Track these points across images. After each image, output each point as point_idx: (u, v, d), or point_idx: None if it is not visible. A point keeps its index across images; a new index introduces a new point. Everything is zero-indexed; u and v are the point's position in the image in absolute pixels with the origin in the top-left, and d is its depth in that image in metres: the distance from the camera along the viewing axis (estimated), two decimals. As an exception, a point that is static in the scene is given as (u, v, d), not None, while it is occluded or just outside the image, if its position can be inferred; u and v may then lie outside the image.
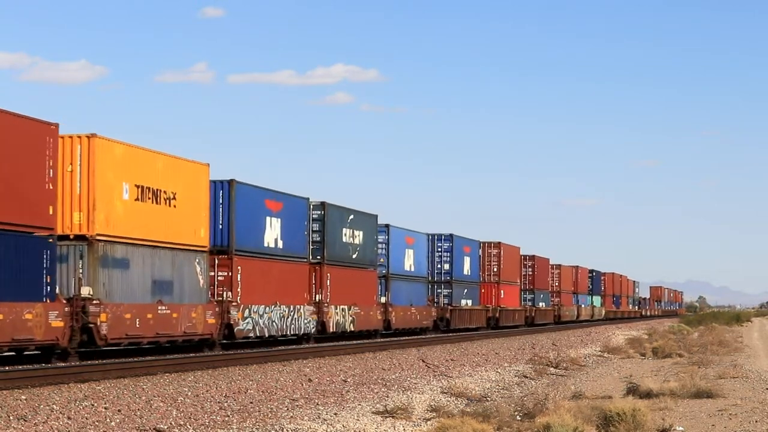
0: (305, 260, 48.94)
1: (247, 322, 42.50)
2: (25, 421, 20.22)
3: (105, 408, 22.41)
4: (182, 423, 21.16)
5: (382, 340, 55.13)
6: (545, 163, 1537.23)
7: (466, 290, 74.99)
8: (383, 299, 59.50)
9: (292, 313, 46.70)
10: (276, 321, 45.08)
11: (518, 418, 22.59)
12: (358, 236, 54.95)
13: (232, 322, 41.17)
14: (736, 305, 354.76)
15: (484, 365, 40.36)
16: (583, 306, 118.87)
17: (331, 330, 51.16)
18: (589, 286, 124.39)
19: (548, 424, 18.61)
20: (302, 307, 47.83)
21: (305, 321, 48.08)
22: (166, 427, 20.56)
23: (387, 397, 27.10)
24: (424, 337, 61.33)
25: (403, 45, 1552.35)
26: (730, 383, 30.60)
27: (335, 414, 23.19)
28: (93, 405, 22.71)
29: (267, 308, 44.25)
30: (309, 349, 43.23)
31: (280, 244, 45.83)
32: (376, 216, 58.86)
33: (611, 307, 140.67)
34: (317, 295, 49.88)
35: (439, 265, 71.02)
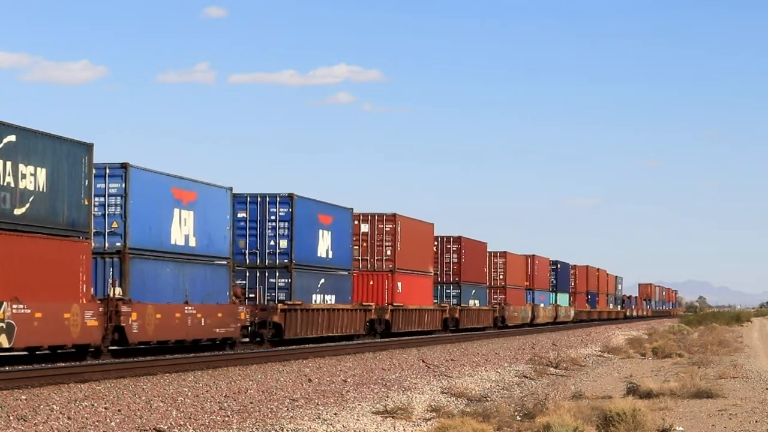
0: None
1: None
2: (25, 421, 20.21)
3: (105, 408, 22.41)
4: (182, 423, 21.16)
5: (382, 340, 55.02)
6: (547, 164, 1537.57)
7: (323, 280, 50.59)
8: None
9: None
10: None
11: (518, 418, 22.58)
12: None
13: None
14: (736, 305, 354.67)
15: (484, 365, 40.36)
16: (542, 305, 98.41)
17: None
18: (551, 281, 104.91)
19: (548, 424, 18.61)
20: None
21: None
22: (166, 427, 20.55)
23: (387, 397, 27.09)
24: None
25: (405, 45, 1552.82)
26: (730, 383, 30.59)
27: (335, 414, 23.19)
28: (93, 405, 22.71)
29: None
30: (309, 349, 43.23)
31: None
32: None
33: (584, 307, 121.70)
34: None
35: (268, 241, 47.01)
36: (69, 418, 20.80)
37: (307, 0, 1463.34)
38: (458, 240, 73.68)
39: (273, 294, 46.71)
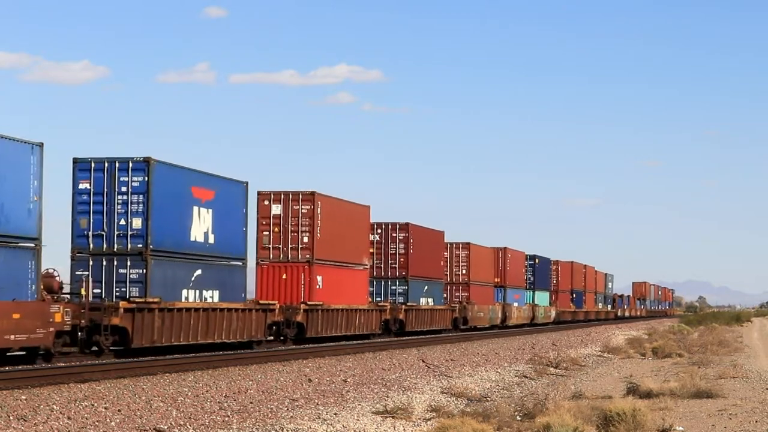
0: None
1: None
2: (25, 421, 20.22)
3: (105, 408, 22.41)
4: (182, 423, 21.16)
5: (381, 340, 54.91)
6: (547, 164, 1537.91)
7: (199, 272, 40.03)
8: None
9: None
10: None
11: (518, 418, 22.58)
12: None
13: None
14: (736, 305, 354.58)
15: (484, 365, 40.36)
16: (515, 305, 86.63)
17: None
18: (528, 278, 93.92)
19: (548, 424, 18.61)
20: None
21: None
22: (166, 427, 20.56)
23: (387, 397, 27.10)
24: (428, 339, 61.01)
25: (405, 45, 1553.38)
26: (730, 383, 30.59)
27: (335, 414, 23.19)
28: (93, 405, 22.71)
29: None
30: (309, 349, 43.19)
31: None
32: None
33: (568, 306, 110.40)
34: None
35: (117, 220, 37.03)
36: (69, 418, 20.81)
37: (307, 0, 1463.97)
38: (405, 227, 61.87)
39: (123, 289, 36.31)
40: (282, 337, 46.61)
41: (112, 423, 20.64)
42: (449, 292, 72.84)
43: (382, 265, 61.44)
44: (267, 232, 48.25)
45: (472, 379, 33.68)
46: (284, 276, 48.11)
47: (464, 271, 74.82)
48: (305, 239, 48.37)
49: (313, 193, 48.74)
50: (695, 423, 22.10)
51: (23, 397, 23.47)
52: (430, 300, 65.38)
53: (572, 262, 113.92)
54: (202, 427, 20.76)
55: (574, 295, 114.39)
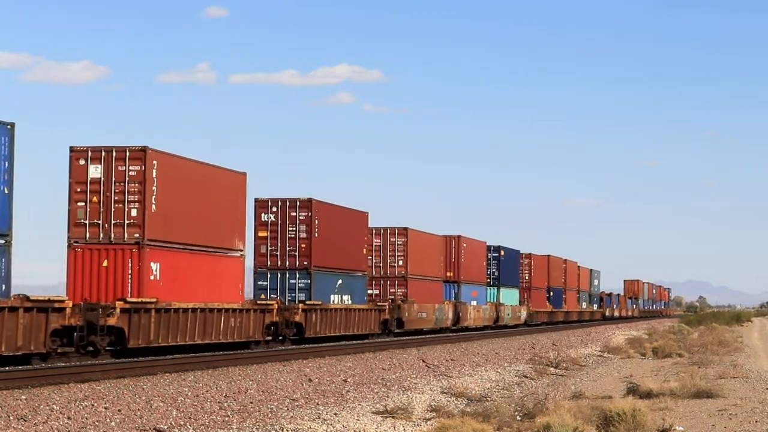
0: None
1: None
2: (25, 421, 20.22)
3: (105, 408, 22.41)
4: (182, 423, 21.16)
5: (381, 340, 54.90)
6: (548, 164, 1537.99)
7: None
8: None
9: None
10: None
11: (518, 418, 22.58)
12: None
13: None
14: (736, 305, 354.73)
15: (484, 365, 40.36)
16: (472, 304, 74.12)
17: None
18: (492, 273, 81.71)
19: (548, 424, 18.61)
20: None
21: None
22: (166, 427, 20.56)
23: (387, 397, 27.09)
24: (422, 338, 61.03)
25: (406, 45, 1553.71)
26: (730, 383, 30.59)
27: (335, 414, 23.19)
28: (93, 405, 22.71)
29: None
30: (309, 349, 43.21)
31: None
32: None
33: (543, 306, 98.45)
34: None
35: None
36: (69, 418, 20.81)
37: (308, 0, 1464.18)
38: (308, 204, 49.72)
39: None
40: (85, 348, 33.72)
41: (112, 423, 20.64)
42: (382, 287, 60.92)
43: (278, 253, 49.11)
44: (82, 203, 36.35)
45: (472, 379, 33.68)
46: (105, 263, 36.06)
47: (401, 263, 61.66)
48: (134, 212, 36.40)
49: (144, 150, 36.33)
50: (695, 423, 22.10)
51: (23, 397, 23.48)
52: (345, 297, 52.64)
53: (549, 255, 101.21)
54: (202, 427, 20.76)
55: (552, 293, 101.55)
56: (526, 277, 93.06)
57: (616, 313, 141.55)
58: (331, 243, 51.14)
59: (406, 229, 62.20)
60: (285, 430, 20.74)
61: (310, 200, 49.61)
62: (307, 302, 48.22)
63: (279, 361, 37.36)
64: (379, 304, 57.79)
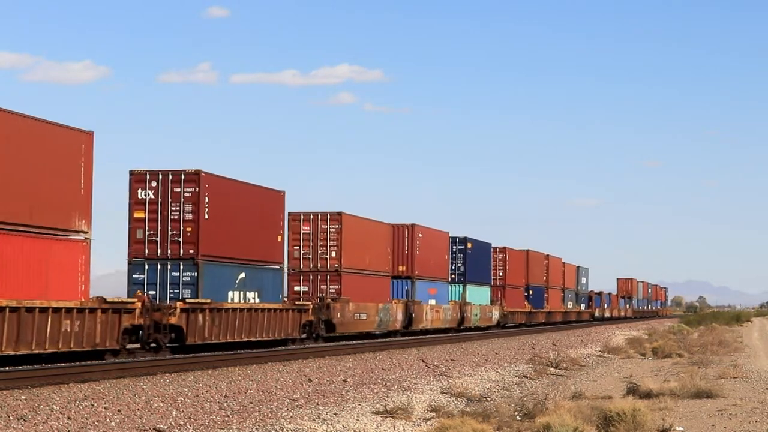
0: None
1: None
2: (25, 421, 20.22)
3: (105, 408, 22.42)
4: (182, 423, 21.17)
5: (381, 340, 54.74)
6: (548, 164, 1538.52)
7: None
8: None
9: None
10: None
11: (518, 418, 22.59)
12: None
13: None
14: (736, 305, 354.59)
15: (484, 365, 40.36)
16: (429, 303, 64.40)
17: None
18: (456, 268, 72.33)
19: (548, 424, 18.61)
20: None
21: None
22: (166, 427, 20.56)
23: (387, 397, 27.10)
24: (422, 338, 61.00)
25: (406, 45, 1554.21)
26: (730, 383, 30.59)
27: (335, 414, 23.19)
28: (93, 405, 22.72)
29: None
30: (309, 348, 43.19)
31: None
32: None
33: (521, 306, 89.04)
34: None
35: None
36: (69, 418, 20.81)
37: (309, 0, 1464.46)
38: (195, 178, 39.94)
39: None
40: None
41: (112, 423, 20.64)
42: (312, 284, 51.79)
43: (158, 239, 39.93)
44: None
45: (472, 379, 33.68)
46: None
47: (334, 254, 52.32)
48: None
49: None
50: (695, 423, 22.10)
51: (23, 397, 23.48)
52: (250, 295, 43.21)
53: (527, 250, 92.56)
54: (202, 427, 20.76)
55: (531, 292, 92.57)
56: (500, 274, 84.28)
57: (607, 314, 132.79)
58: (228, 227, 41.42)
59: (340, 214, 52.50)
60: (285, 430, 20.74)
61: (197, 173, 39.61)
62: (188, 300, 38.50)
63: (279, 361, 37.39)
64: (298, 303, 47.26)
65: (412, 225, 62.02)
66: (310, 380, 30.67)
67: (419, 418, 23.60)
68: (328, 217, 52.37)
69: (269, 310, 43.54)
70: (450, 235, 70.52)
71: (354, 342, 50.47)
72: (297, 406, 24.62)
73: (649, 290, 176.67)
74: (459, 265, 72.99)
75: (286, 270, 49.61)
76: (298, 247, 51.92)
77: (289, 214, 50.12)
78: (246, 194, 43.39)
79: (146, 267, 39.80)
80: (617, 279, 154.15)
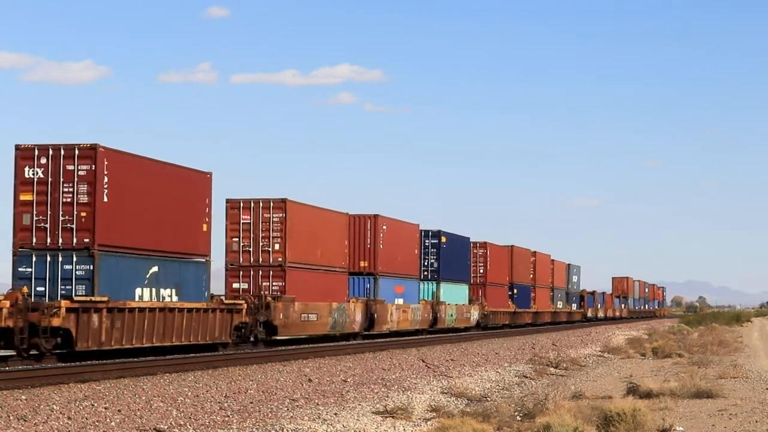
0: None
1: None
2: (25, 421, 20.22)
3: (105, 408, 22.42)
4: (182, 423, 21.17)
5: (382, 340, 54.56)
6: (548, 164, 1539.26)
7: None
8: None
9: None
10: None
11: (518, 418, 22.59)
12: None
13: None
14: (736, 305, 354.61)
15: (484, 365, 40.36)
16: (396, 303, 58.21)
17: None
18: (429, 264, 66.15)
19: (548, 424, 18.61)
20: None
21: None
22: (166, 427, 20.56)
23: (387, 397, 27.10)
24: (422, 337, 60.93)
25: (407, 45, 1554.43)
26: (730, 383, 30.60)
27: (335, 414, 23.19)
28: (93, 405, 22.72)
29: None
30: (309, 349, 43.14)
31: None
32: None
33: (505, 305, 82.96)
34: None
35: None
36: (69, 418, 20.81)
37: (309, 0, 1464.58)
38: (91, 154, 33.75)
39: None
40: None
41: (112, 423, 20.64)
42: (253, 280, 45.32)
43: (47, 226, 33.68)
44: None
45: (472, 379, 33.69)
46: None
47: (277, 247, 45.74)
48: None
49: None
50: (695, 423, 22.10)
51: (23, 397, 23.48)
52: (166, 293, 36.54)
53: (512, 246, 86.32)
54: (202, 427, 20.76)
55: (516, 291, 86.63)
56: (481, 271, 77.76)
57: (601, 314, 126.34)
58: (134, 213, 35.35)
59: (284, 201, 45.83)
60: (285, 430, 20.74)
61: (94, 147, 33.55)
62: (77, 298, 32.52)
63: (279, 361, 37.37)
64: (227, 302, 40.68)
65: (375, 216, 56.02)
66: (310, 380, 30.67)
67: (419, 418, 23.60)
68: (271, 204, 45.72)
69: (190, 310, 37.13)
70: (421, 228, 64.68)
71: (354, 342, 50.06)
72: (297, 406, 24.62)
73: (646, 289, 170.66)
74: (432, 261, 66.59)
75: (224, 265, 45.29)
76: (237, 239, 45.51)
77: (227, 201, 45.35)
78: (159, 174, 36.71)
79: (33, 259, 33.41)
80: (612, 278, 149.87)
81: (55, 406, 22.19)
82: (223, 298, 41.22)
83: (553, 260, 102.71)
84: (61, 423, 20.25)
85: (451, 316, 67.76)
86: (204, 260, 39.15)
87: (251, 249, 45.43)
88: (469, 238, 74.72)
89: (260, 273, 45.27)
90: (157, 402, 23.86)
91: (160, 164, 36.93)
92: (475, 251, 76.95)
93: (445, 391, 29.27)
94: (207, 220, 39.40)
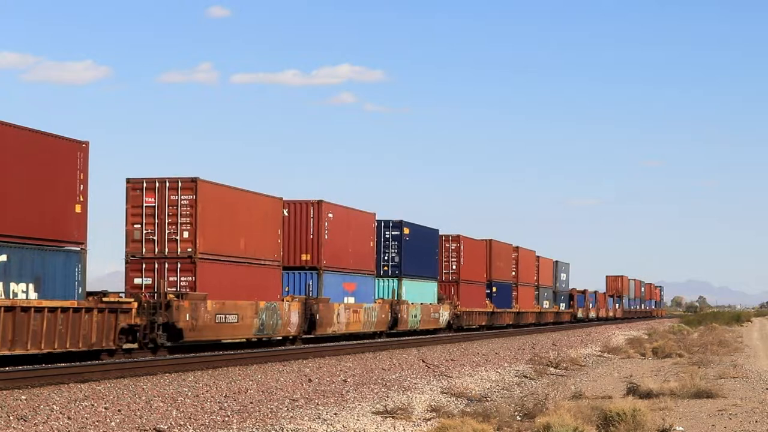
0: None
1: None
2: (25, 421, 20.22)
3: (105, 408, 22.41)
4: (182, 423, 21.16)
5: (382, 340, 54.60)
6: (549, 163, 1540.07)
7: None
8: None
9: None
10: None
11: (518, 418, 22.59)
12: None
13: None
14: (737, 305, 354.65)
15: (484, 365, 40.35)
16: (345, 302, 51.30)
17: None
18: (389, 259, 59.10)
19: (548, 424, 18.61)
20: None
21: None
22: (166, 427, 20.55)
23: (387, 397, 27.09)
24: (423, 337, 60.93)
25: (408, 46, 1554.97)
26: (730, 383, 30.59)
27: (335, 414, 23.19)
28: (93, 405, 22.71)
29: None
30: (309, 349, 43.11)
31: None
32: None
33: (482, 305, 75.96)
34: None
35: None
36: (69, 418, 20.80)
37: (310, 0, 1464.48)
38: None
39: None
40: None
41: (112, 423, 20.63)
42: (158, 274, 38.76)
43: None
44: None
45: (472, 379, 33.68)
46: None
47: (186, 235, 38.97)
48: None
49: None
50: (695, 423, 22.10)
51: (23, 397, 23.48)
52: (22, 287, 30.21)
53: (490, 240, 79.25)
54: (202, 427, 20.76)
55: (495, 289, 79.51)
56: (453, 267, 70.30)
57: (592, 314, 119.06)
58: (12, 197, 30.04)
59: (195, 180, 39.05)
60: (285, 430, 20.74)
61: None
62: None
63: (279, 361, 37.36)
64: (108, 300, 34.10)
65: (319, 201, 48.74)
66: (310, 380, 30.66)
67: (419, 418, 23.60)
68: (179, 184, 38.83)
69: (53, 309, 30.66)
70: (377, 218, 56.68)
71: (353, 342, 49.90)
72: (297, 406, 24.61)
73: (642, 289, 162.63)
74: (393, 255, 59.09)
75: (124, 257, 39.20)
76: (139, 225, 38.91)
77: (128, 181, 39.01)
78: (10, 142, 30.11)
79: None
80: (606, 276, 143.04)
81: (55, 406, 22.19)
82: (103, 296, 34.29)
83: (538, 257, 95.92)
84: (61, 423, 20.25)
85: (415, 316, 60.84)
86: (78, 249, 32.43)
87: (156, 238, 38.86)
88: (438, 230, 67.12)
89: (166, 266, 38.56)
90: (157, 402, 23.86)
91: (7, 127, 30.08)
92: (447, 245, 69.96)
93: (445, 391, 29.26)
94: (81, 199, 32.56)
